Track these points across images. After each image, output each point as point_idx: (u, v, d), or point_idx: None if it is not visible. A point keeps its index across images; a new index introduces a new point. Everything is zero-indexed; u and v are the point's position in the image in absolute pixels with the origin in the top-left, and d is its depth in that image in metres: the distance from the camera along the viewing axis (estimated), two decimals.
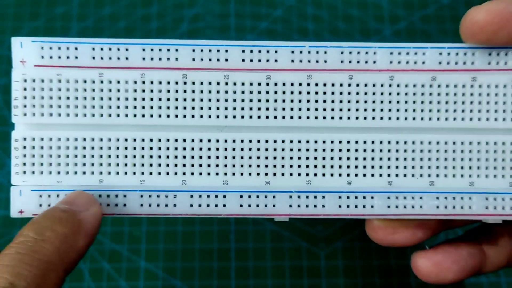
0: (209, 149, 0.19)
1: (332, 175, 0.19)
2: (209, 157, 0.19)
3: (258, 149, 0.19)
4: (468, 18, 0.18)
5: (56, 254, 0.16)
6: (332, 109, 0.19)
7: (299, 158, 0.19)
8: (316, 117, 0.19)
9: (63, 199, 0.18)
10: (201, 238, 0.29)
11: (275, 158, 0.19)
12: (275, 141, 0.19)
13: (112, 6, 0.33)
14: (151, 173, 0.18)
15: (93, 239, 0.18)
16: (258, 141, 0.19)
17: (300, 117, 0.19)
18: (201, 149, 0.19)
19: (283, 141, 0.19)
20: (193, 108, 0.18)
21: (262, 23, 0.33)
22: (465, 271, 0.20)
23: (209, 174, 0.19)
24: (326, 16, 0.33)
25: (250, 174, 0.19)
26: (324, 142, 0.19)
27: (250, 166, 0.19)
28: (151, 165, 0.18)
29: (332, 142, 0.19)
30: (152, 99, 0.18)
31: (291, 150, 0.19)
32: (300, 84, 0.19)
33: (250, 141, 0.19)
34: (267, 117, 0.19)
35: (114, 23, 0.32)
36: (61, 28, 0.32)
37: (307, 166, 0.19)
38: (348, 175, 0.19)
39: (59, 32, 0.32)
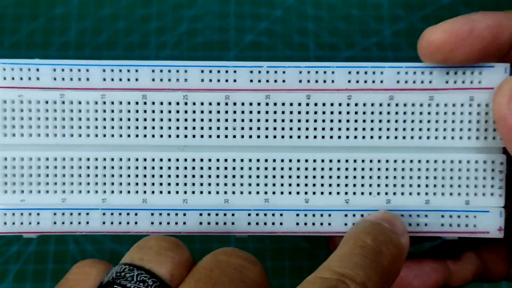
0: (169, 168, 0.19)
1: (290, 193, 0.19)
2: (169, 176, 0.19)
3: (218, 168, 0.19)
4: (425, 38, 0.18)
5: (388, 273, 0.16)
6: (290, 128, 0.19)
7: (257, 176, 0.19)
8: (274, 136, 0.19)
9: (380, 216, 0.18)
10: (201, 238, 0.28)
11: (234, 176, 0.19)
12: (234, 160, 0.19)
13: (112, 6, 0.33)
14: (112, 192, 0.19)
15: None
16: (218, 160, 0.19)
17: (258, 136, 0.19)
18: (161, 168, 0.19)
19: (242, 160, 0.19)
20: (153, 128, 0.19)
21: (262, 23, 0.33)
22: (427, 286, 0.20)
23: (169, 192, 0.19)
24: (326, 16, 0.33)
25: (209, 192, 0.19)
26: (282, 160, 0.19)
27: (209, 184, 0.19)
28: (112, 184, 0.19)
29: (290, 160, 0.19)
30: (113, 119, 0.19)
31: (250, 168, 0.19)
32: (258, 104, 0.19)
33: (210, 160, 0.19)
34: (226, 136, 0.19)
35: (113, 24, 0.32)
36: (60, 28, 0.32)
37: (266, 185, 0.19)
38: (305, 193, 0.19)
39: (59, 32, 0.32)
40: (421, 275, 0.20)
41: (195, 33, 0.32)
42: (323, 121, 0.19)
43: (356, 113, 0.19)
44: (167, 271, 0.16)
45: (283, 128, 0.19)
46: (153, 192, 0.19)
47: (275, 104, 0.19)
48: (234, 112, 0.19)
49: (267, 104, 0.19)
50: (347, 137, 0.19)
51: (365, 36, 0.33)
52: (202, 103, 0.19)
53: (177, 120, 0.19)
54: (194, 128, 0.19)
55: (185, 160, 0.19)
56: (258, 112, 0.19)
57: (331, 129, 0.19)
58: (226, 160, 0.19)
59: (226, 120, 0.19)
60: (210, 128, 0.19)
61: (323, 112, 0.19)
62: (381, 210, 0.19)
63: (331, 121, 0.19)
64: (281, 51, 0.32)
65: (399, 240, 0.17)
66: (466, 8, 0.33)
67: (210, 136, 0.19)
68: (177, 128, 0.19)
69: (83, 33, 0.32)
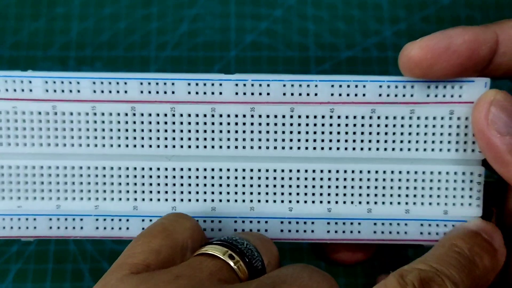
0: (158, 176, 0.20)
1: (274, 201, 0.20)
2: (158, 184, 0.20)
3: (205, 177, 0.20)
4: (404, 53, 0.18)
5: (478, 283, 0.17)
6: (275, 140, 0.19)
7: (243, 185, 0.20)
8: (259, 147, 0.19)
9: (481, 227, 0.19)
10: None
11: (220, 185, 0.20)
12: (220, 170, 0.20)
13: (113, 6, 0.33)
14: (104, 199, 0.20)
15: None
16: (205, 169, 0.20)
17: (244, 147, 0.19)
18: (150, 176, 0.20)
19: (228, 170, 0.20)
20: (142, 138, 0.19)
21: (262, 23, 0.33)
22: None
23: (158, 200, 0.20)
24: (326, 17, 0.33)
25: (197, 200, 0.20)
26: (267, 170, 0.20)
27: (197, 192, 0.20)
28: (104, 191, 0.20)
29: (274, 170, 0.20)
30: (103, 130, 0.19)
31: (236, 178, 0.20)
32: (244, 116, 0.19)
33: (197, 169, 0.20)
34: (212, 146, 0.19)
35: (114, 23, 0.33)
36: (62, 28, 0.32)
37: (251, 193, 0.20)
38: (289, 201, 0.20)
39: (60, 32, 0.32)
40: None
41: (196, 33, 0.33)
42: (307, 132, 0.19)
43: (338, 125, 0.19)
44: (267, 256, 0.17)
45: (267, 139, 0.19)
46: (143, 199, 0.20)
47: (259, 116, 0.19)
48: (220, 123, 0.19)
49: (252, 116, 0.19)
50: (330, 148, 0.19)
51: (365, 37, 0.33)
52: (189, 115, 0.19)
53: (165, 131, 0.19)
54: (181, 138, 0.19)
55: (173, 169, 0.20)
56: (244, 124, 0.19)
57: (314, 140, 0.19)
58: (213, 169, 0.20)
59: (213, 131, 0.19)
60: (197, 138, 0.19)
61: (307, 124, 0.19)
62: (480, 219, 0.19)
63: (314, 132, 0.19)
64: (282, 51, 0.32)
65: (495, 254, 0.18)
66: (466, 8, 0.33)
67: (197, 147, 0.19)
68: (165, 138, 0.19)
69: (84, 33, 0.32)
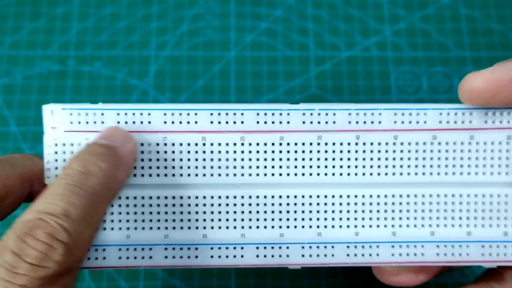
0: (227, 204, 0.20)
1: (340, 227, 0.20)
2: (227, 212, 0.20)
3: (273, 204, 0.20)
4: (467, 84, 0.19)
5: (101, 187, 0.17)
6: (341, 166, 0.20)
7: (310, 211, 0.20)
8: (325, 174, 0.20)
9: (101, 134, 0.19)
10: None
11: (288, 212, 0.20)
12: (288, 197, 0.20)
13: (113, 6, 0.33)
14: (174, 228, 0.20)
15: (131, 173, 0.19)
16: (273, 197, 0.20)
17: (311, 174, 0.20)
18: (219, 205, 0.20)
19: (295, 196, 0.20)
20: (211, 167, 0.20)
21: (262, 23, 0.33)
22: None
23: (227, 228, 0.20)
24: (326, 16, 0.34)
25: (265, 227, 0.20)
26: (333, 196, 0.20)
27: (265, 219, 0.20)
28: (173, 220, 0.20)
29: (340, 196, 0.20)
30: (173, 160, 0.20)
31: (303, 204, 0.20)
32: (311, 144, 0.20)
33: (265, 196, 0.20)
34: (280, 174, 0.20)
35: (114, 23, 0.33)
36: (62, 28, 0.33)
37: (318, 219, 0.20)
38: (355, 226, 0.20)
39: (60, 31, 0.33)
40: None
41: (196, 32, 0.33)
42: (371, 159, 0.20)
43: (401, 151, 0.20)
44: None
45: (333, 166, 0.20)
46: (212, 227, 0.20)
47: (326, 144, 0.20)
48: (288, 151, 0.20)
49: (318, 144, 0.20)
50: (393, 174, 0.20)
51: (365, 36, 0.33)
52: (258, 144, 0.20)
53: (234, 160, 0.20)
54: (250, 167, 0.20)
55: (242, 197, 0.20)
56: (310, 152, 0.20)
57: (379, 166, 0.20)
58: (280, 196, 0.20)
59: (280, 159, 0.20)
60: (265, 167, 0.20)
61: (371, 151, 0.20)
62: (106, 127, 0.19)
63: (379, 159, 0.20)
64: (281, 51, 0.33)
65: (115, 152, 0.18)
66: (466, 8, 0.34)
67: (265, 174, 0.20)
68: (234, 167, 0.20)
69: (84, 33, 0.33)
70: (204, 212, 0.20)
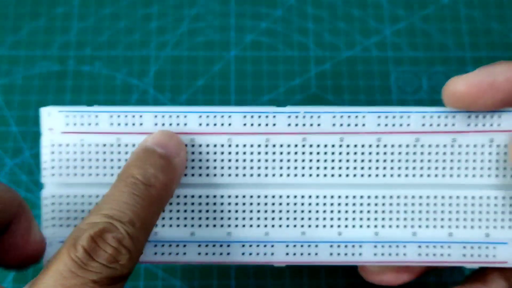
0: (215, 204, 0.21)
1: (324, 226, 0.21)
2: (214, 211, 0.21)
3: (258, 204, 0.21)
4: (449, 88, 0.19)
5: (158, 199, 0.18)
6: (325, 168, 0.21)
7: (294, 211, 0.21)
8: (310, 175, 0.21)
9: (157, 140, 0.19)
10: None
11: (273, 211, 0.21)
12: (273, 197, 0.21)
13: (113, 6, 0.34)
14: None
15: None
16: (258, 197, 0.21)
17: (296, 175, 0.21)
18: (207, 204, 0.21)
19: (280, 196, 0.21)
20: (199, 168, 0.21)
21: (262, 23, 0.34)
22: None
23: (214, 226, 0.21)
24: (326, 16, 0.34)
25: (251, 226, 0.21)
26: (317, 197, 0.21)
27: (251, 218, 0.21)
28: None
29: (324, 197, 0.21)
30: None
31: (288, 204, 0.21)
32: (296, 146, 0.21)
33: (251, 196, 0.21)
34: (266, 175, 0.21)
35: (114, 23, 0.33)
36: (62, 28, 0.33)
37: (302, 219, 0.21)
38: (339, 226, 0.21)
39: (60, 31, 0.33)
40: None
41: (196, 32, 0.33)
42: (355, 160, 0.21)
43: (385, 153, 0.21)
44: None
45: (318, 168, 0.21)
46: (199, 225, 0.21)
47: (310, 145, 0.21)
48: (273, 153, 0.21)
49: (303, 145, 0.21)
50: (377, 175, 0.21)
51: (365, 36, 0.33)
52: (244, 145, 0.21)
53: (222, 160, 0.21)
54: (236, 167, 0.21)
55: (229, 196, 0.21)
56: (296, 153, 0.21)
57: (362, 168, 0.21)
58: (266, 196, 0.21)
59: (266, 160, 0.21)
60: (252, 167, 0.21)
61: (355, 153, 0.21)
62: (158, 131, 0.20)
63: (362, 160, 0.21)
64: (282, 51, 0.33)
65: (171, 164, 0.19)
66: (466, 8, 0.34)
67: (251, 175, 0.21)
68: (222, 167, 0.21)
69: (84, 32, 0.33)
70: (192, 211, 0.21)
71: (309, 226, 0.21)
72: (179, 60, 0.33)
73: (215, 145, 0.21)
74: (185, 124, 0.21)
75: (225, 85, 0.33)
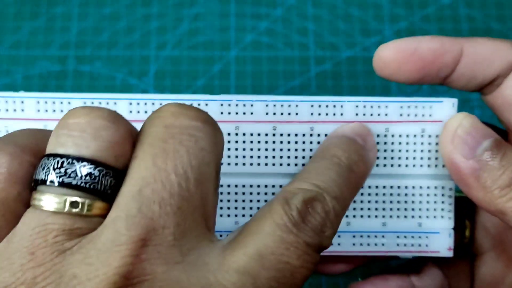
0: None
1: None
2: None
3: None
4: (379, 53, 0.20)
5: (356, 188, 0.18)
6: (259, 157, 0.20)
7: (228, 200, 0.21)
8: (244, 164, 0.20)
9: (356, 131, 0.20)
10: None
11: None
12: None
13: (113, 6, 0.34)
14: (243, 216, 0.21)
15: None
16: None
17: (229, 164, 0.20)
18: None
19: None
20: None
21: (262, 23, 0.34)
22: None
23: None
24: (326, 16, 0.34)
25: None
26: (251, 186, 0.21)
27: None
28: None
29: (258, 186, 0.21)
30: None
31: (221, 193, 0.21)
32: (228, 134, 0.20)
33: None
34: None
35: (114, 23, 0.33)
36: (62, 28, 0.33)
37: (236, 208, 0.21)
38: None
39: (60, 31, 0.33)
40: None
41: (196, 32, 0.33)
42: (288, 150, 0.20)
43: (318, 142, 0.20)
44: (109, 154, 0.13)
45: (251, 156, 0.20)
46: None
47: (244, 134, 0.20)
48: None
49: (236, 134, 0.20)
50: None
51: (365, 36, 0.34)
52: None
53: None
54: None
55: None
56: (229, 142, 0.20)
57: (296, 157, 0.20)
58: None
59: None
60: None
61: (288, 142, 0.20)
62: (356, 123, 0.20)
63: (296, 150, 0.20)
64: (282, 51, 0.33)
65: (368, 157, 0.19)
66: (466, 8, 0.34)
67: None
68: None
69: (84, 33, 0.33)
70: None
71: (243, 215, 0.21)
72: (179, 60, 0.33)
73: None
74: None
75: (225, 85, 0.33)
